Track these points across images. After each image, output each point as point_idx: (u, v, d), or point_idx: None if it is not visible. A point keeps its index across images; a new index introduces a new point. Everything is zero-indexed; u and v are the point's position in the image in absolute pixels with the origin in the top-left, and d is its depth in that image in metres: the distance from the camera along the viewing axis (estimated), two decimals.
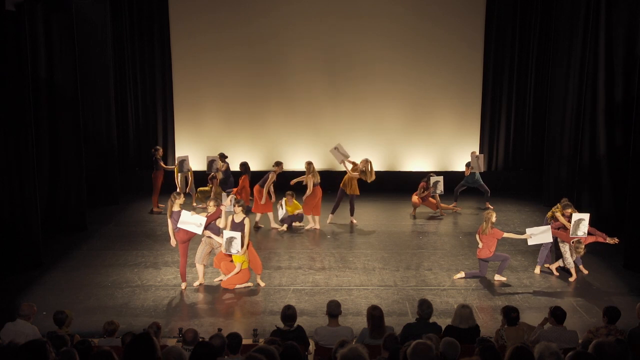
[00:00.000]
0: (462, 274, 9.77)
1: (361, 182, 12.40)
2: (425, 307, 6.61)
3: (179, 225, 9.05)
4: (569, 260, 9.58)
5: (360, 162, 12.22)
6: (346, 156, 12.44)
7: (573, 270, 9.62)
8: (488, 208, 13.56)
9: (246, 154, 14.68)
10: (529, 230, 9.71)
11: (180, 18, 14.98)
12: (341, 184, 12.37)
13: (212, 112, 15.38)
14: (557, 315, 6.52)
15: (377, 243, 11.47)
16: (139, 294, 9.13)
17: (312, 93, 15.30)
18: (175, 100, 15.33)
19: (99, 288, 9.33)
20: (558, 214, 9.83)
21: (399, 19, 14.99)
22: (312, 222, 12.24)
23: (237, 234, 8.94)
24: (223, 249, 9.04)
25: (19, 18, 9.69)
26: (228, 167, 13.73)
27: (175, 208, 9.17)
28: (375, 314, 6.38)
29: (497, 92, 15.30)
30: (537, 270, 9.97)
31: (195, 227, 9.02)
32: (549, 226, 9.71)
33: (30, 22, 10.52)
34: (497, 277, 9.69)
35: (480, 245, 9.62)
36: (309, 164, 12.21)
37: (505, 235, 9.66)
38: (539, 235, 9.61)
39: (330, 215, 12.57)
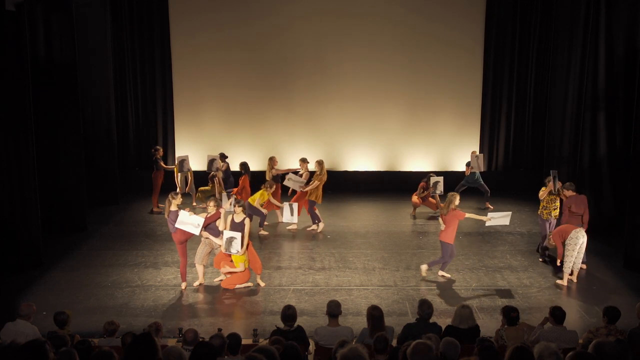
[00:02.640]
0: (425, 266, 9.75)
1: (360, 183, 12.38)
2: (425, 307, 6.61)
3: (176, 226, 9.02)
4: (568, 265, 9.45)
5: (316, 166, 12.04)
6: (301, 182, 12.10)
7: (566, 277, 9.46)
8: (488, 208, 13.58)
9: (246, 153, 14.67)
10: (490, 214, 9.85)
11: (180, 18, 14.97)
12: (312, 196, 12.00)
13: (212, 112, 15.37)
14: (556, 315, 6.52)
15: (377, 243, 11.47)
16: (139, 294, 9.13)
17: (312, 93, 15.30)
18: (175, 100, 15.33)
19: (99, 288, 9.33)
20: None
21: (398, 19, 14.99)
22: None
23: (237, 234, 8.92)
24: (223, 249, 9.04)
25: (19, 18, 9.68)
26: (228, 167, 13.74)
27: (173, 208, 9.14)
28: (375, 314, 6.38)
29: (497, 92, 15.30)
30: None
31: (193, 228, 8.99)
32: (510, 212, 9.77)
33: (30, 22, 10.52)
34: (441, 273, 9.78)
35: (443, 227, 9.62)
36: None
37: (467, 215, 9.73)
38: (499, 218, 9.75)
39: (319, 224, 12.13)
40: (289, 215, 11.81)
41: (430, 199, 13.10)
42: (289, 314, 6.58)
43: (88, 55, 12.95)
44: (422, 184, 13.02)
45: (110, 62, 13.80)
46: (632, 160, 10.01)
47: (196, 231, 9.01)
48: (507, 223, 9.87)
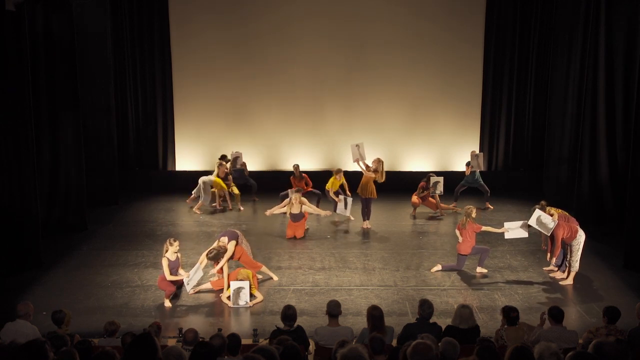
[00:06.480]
0: (439, 267, 9.97)
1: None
2: (426, 307, 6.61)
3: (190, 282, 8.86)
4: (576, 264, 9.46)
5: (373, 162, 12.10)
6: (363, 157, 12.16)
7: (572, 276, 9.45)
8: (488, 208, 13.58)
9: (246, 153, 14.65)
10: (506, 225, 9.94)
11: (181, 17, 14.95)
12: (358, 189, 12.14)
13: (212, 112, 15.36)
14: (554, 314, 6.53)
15: (377, 243, 11.47)
16: (139, 294, 9.13)
17: (312, 93, 15.29)
18: (175, 99, 15.31)
19: (99, 288, 9.33)
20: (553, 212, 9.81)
21: (399, 19, 14.98)
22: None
23: (245, 284, 8.70)
24: (231, 303, 8.70)
25: (19, 18, 9.68)
26: (228, 174, 13.73)
27: (170, 255, 8.89)
28: (375, 314, 6.38)
29: (497, 92, 15.28)
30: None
31: (186, 280, 8.87)
32: (525, 221, 9.72)
33: (30, 22, 10.51)
34: (479, 270, 9.86)
35: (460, 239, 9.81)
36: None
37: (484, 228, 9.91)
38: (516, 230, 9.86)
39: (366, 221, 12.26)
40: (343, 208, 12.15)
41: (430, 198, 13.09)
42: (289, 314, 6.59)
43: (88, 54, 12.93)
44: (422, 183, 13.02)
45: (111, 62, 13.77)
46: (632, 159, 10.00)
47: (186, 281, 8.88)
48: (526, 235, 9.93)
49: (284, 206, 11.65)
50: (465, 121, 15.41)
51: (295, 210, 11.45)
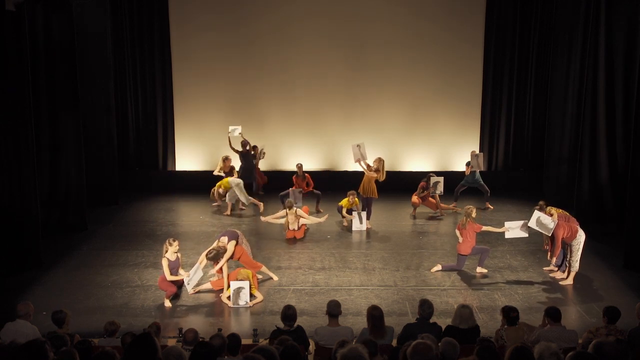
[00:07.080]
0: (439, 267, 9.98)
1: (359, 183, 12.34)
2: (426, 307, 6.61)
3: (190, 281, 8.84)
4: (576, 264, 9.47)
5: (374, 162, 12.08)
6: (364, 157, 12.11)
7: (572, 276, 9.47)
8: (488, 208, 13.58)
9: None
10: (507, 224, 9.93)
11: (181, 17, 14.95)
12: (359, 188, 12.12)
13: (212, 112, 15.35)
14: (551, 314, 6.53)
15: (377, 243, 11.47)
16: (139, 294, 9.13)
17: (312, 93, 15.29)
18: (175, 99, 15.30)
19: (99, 288, 9.33)
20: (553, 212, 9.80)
21: (399, 19, 14.98)
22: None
23: (245, 284, 8.69)
24: (231, 303, 8.69)
25: (19, 18, 9.68)
26: (232, 168, 13.72)
27: (170, 255, 8.88)
28: (375, 314, 6.38)
29: (497, 92, 15.28)
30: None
31: (187, 279, 8.86)
32: (526, 220, 9.71)
33: (30, 22, 10.51)
34: (479, 270, 9.87)
35: (460, 239, 9.82)
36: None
37: (484, 228, 9.93)
38: (516, 229, 9.83)
39: (366, 222, 12.17)
40: (359, 224, 12.01)
41: (430, 198, 13.09)
42: (289, 314, 6.59)
43: (88, 54, 12.93)
44: (422, 183, 13.01)
45: (111, 62, 13.77)
46: (632, 159, 10.00)
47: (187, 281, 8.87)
48: (527, 235, 9.91)
49: (280, 217, 11.66)
50: (465, 121, 15.41)
51: (293, 227, 11.47)
